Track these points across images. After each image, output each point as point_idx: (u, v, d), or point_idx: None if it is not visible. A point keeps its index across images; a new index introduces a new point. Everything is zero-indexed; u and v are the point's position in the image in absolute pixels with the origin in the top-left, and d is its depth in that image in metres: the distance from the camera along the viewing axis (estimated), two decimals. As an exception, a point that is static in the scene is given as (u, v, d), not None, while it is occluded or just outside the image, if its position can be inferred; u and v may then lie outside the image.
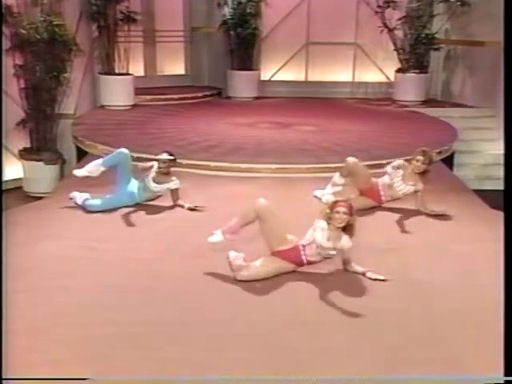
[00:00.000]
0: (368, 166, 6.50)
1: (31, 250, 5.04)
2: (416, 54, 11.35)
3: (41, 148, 8.91)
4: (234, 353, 3.63)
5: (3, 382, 3.17)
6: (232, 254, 4.50)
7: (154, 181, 6.09)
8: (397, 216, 5.99)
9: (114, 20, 10.36)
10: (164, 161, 6.09)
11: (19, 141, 8.97)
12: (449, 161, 8.62)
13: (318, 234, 4.52)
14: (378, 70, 12.59)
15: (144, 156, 7.05)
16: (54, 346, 3.62)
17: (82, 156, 8.33)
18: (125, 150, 6.13)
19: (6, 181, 8.69)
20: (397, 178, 6.03)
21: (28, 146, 8.98)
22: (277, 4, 12.01)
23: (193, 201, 6.15)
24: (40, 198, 7.30)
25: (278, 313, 4.11)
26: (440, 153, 8.19)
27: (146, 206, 6.15)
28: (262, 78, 12.55)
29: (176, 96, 11.60)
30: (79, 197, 6.04)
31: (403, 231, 5.69)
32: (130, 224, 5.75)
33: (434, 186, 6.31)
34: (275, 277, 4.55)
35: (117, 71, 10.66)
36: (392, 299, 4.33)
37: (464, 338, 3.85)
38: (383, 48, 12.10)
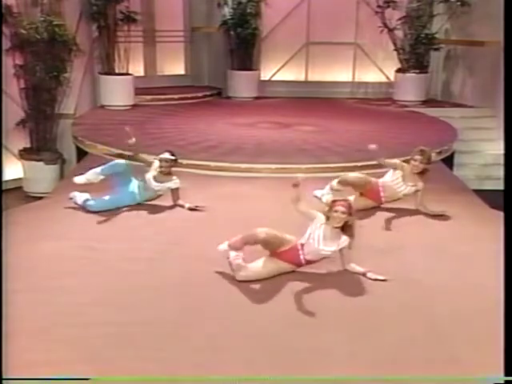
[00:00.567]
0: (368, 166, 6.48)
1: (31, 250, 5.03)
2: (416, 54, 11.34)
3: (41, 148, 8.91)
4: (234, 353, 3.63)
5: (3, 382, 3.17)
6: (232, 253, 4.52)
7: (155, 180, 6.10)
8: (397, 216, 5.99)
9: (114, 20, 10.37)
10: (166, 160, 6.10)
11: (19, 141, 8.97)
12: (449, 161, 8.62)
13: (316, 233, 4.53)
14: (378, 69, 12.58)
15: (144, 156, 7.02)
16: (54, 345, 3.62)
17: (82, 156, 8.33)
18: (121, 161, 6.18)
19: (6, 181, 8.68)
20: (397, 179, 6.03)
21: (28, 145, 8.99)
22: (277, 4, 12.00)
23: (193, 201, 6.15)
24: (40, 198, 7.29)
25: (278, 313, 4.10)
26: (440, 153, 8.19)
27: (147, 205, 6.15)
28: (262, 78, 12.54)
29: (176, 96, 11.59)
30: (79, 197, 6.05)
31: (403, 231, 5.69)
32: (130, 224, 5.75)
33: (433, 185, 6.30)
34: (275, 277, 4.55)
35: (117, 71, 10.67)
36: (392, 299, 4.33)
37: (464, 338, 3.85)
38: (383, 48, 12.09)
